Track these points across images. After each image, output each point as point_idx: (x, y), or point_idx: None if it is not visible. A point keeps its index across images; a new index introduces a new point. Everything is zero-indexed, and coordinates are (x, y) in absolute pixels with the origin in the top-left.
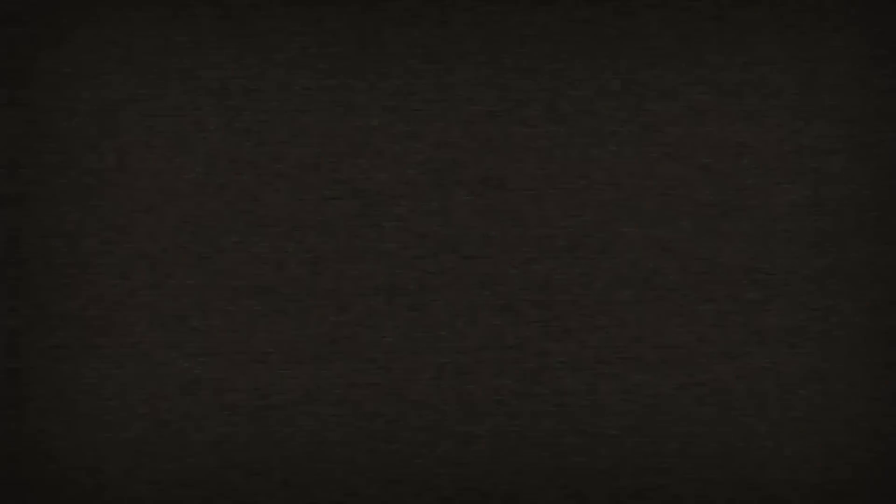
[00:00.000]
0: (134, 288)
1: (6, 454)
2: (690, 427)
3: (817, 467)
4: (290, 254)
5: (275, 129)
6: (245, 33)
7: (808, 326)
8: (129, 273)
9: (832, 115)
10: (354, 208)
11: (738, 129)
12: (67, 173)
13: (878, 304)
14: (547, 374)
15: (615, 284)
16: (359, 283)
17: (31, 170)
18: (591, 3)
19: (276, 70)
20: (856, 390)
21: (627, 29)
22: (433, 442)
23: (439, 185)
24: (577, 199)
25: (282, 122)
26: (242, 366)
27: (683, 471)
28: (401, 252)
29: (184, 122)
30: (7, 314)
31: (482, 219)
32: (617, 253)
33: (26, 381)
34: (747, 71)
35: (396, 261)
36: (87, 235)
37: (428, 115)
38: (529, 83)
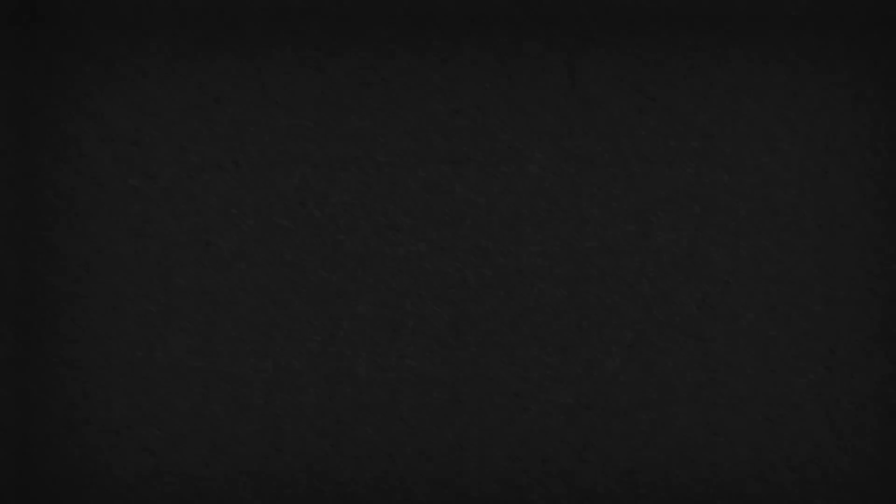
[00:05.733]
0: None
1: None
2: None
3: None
4: (288, 258)
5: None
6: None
7: (815, 334)
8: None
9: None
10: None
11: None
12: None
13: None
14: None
15: (616, 293)
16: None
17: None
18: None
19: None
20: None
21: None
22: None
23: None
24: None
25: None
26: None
27: (684, 478)
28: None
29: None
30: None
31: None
32: (614, 260)
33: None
34: (754, 75)
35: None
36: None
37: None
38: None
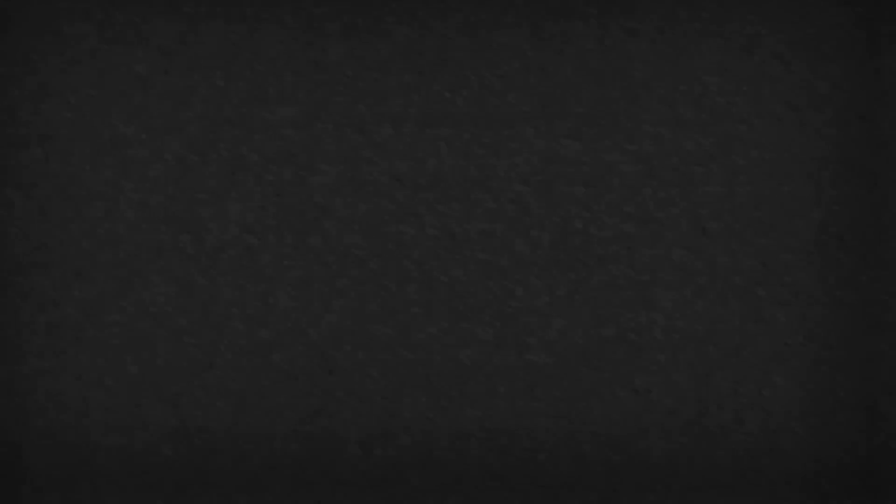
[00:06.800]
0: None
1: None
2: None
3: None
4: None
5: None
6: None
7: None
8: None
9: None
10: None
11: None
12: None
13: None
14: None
15: (599, 271)
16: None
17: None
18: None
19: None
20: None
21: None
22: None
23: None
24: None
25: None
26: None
27: (667, 463)
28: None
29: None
30: None
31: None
32: (603, 243)
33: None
34: (741, 60)
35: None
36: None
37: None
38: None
